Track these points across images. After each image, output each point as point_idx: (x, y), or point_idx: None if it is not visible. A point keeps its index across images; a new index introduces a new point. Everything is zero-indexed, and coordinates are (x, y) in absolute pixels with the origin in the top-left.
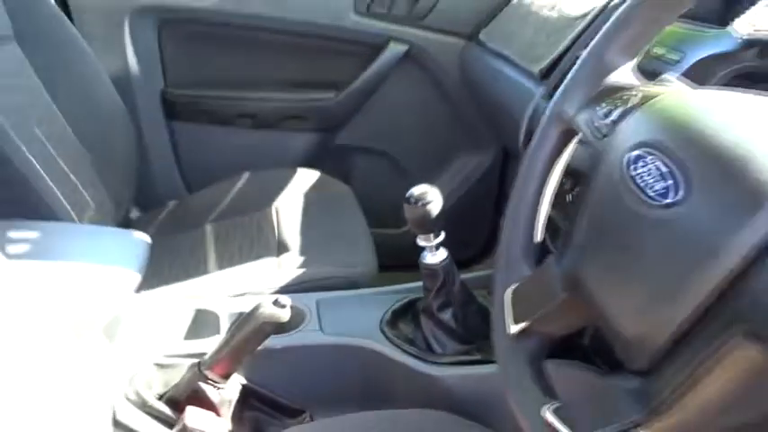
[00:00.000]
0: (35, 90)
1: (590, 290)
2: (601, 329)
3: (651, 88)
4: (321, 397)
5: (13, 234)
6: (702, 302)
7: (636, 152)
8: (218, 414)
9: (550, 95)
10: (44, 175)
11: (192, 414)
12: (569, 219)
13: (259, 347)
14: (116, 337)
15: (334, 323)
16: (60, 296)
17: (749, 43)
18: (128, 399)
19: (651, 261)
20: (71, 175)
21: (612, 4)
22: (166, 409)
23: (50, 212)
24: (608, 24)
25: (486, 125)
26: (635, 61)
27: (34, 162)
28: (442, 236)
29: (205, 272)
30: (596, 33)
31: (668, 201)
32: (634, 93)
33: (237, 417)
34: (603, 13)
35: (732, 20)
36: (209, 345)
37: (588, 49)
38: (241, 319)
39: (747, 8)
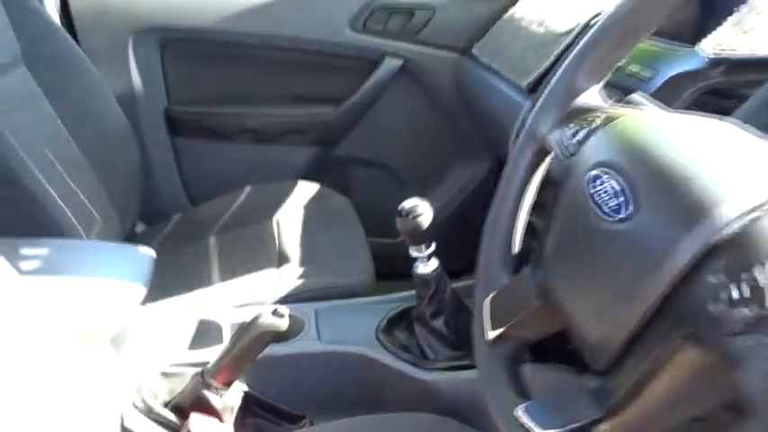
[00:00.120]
0: (43, 110)
1: (558, 297)
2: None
3: (615, 110)
4: (320, 403)
5: (24, 251)
6: (651, 307)
7: (594, 171)
8: (221, 420)
9: None
10: (53, 193)
11: (197, 420)
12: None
13: (260, 356)
14: (124, 347)
15: (331, 331)
16: (70, 310)
17: (715, 62)
18: (135, 406)
19: (608, 270)
20: (78, 192)
21: (595, 20)
22: (172, 416)
23: (59, 229)
24: (576, 50)
25: (480, 137)
26: (601, 84)
27: (43, 181)
28: (433, 247)
29: (209, 283)
30: None
31: (621, 216)
32: (598, 114)
33: (240, 423)
34: (587, 29)
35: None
36: (212, 354)
37: (559, 72)
38: (242, 329)
39: (715, 28)
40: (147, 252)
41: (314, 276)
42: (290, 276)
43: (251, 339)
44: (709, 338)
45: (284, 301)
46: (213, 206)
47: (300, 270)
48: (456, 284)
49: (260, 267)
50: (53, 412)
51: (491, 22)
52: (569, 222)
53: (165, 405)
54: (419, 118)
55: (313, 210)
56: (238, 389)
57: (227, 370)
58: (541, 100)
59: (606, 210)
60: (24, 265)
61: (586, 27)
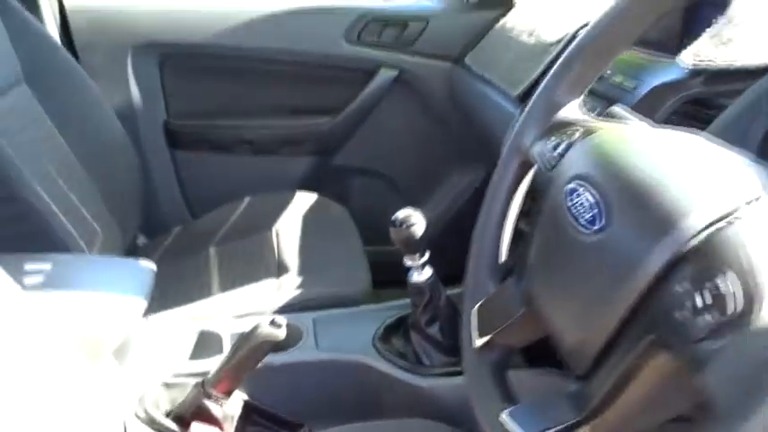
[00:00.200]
0: (45, 128)
1: (540, 305)
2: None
3: (593, 124)
4: (319, 410)
5: (26, 266)
6: (623, 314)
7: (571, 185)
8: (221, 429)
9: None
10: (55, 209)
11: (198, 430)
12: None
13: (259, 365)
14: (126, 359)
15: (329, 340)
16: (72, 324)
17: (695, 72)
18: (137, 417)
19: (585, 279)
20: (81, 208)
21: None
22: (174, 426)
23: (62, 244)
24: (556, 66)
25: (474, 145)
26: (581, 98)
27: (46, 197)
28: (427, 255)
29: (209, 294)
30: None
31: (595, 228)
32: (577, 128)
33: (240, 431)
34: (574, 39)
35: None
36: (213, 364)
37: (540, 87)
38: (241, 340)
39: (696, 39)
40: (148, 265)
41: (312, 286)
42: (288, 286)
43: (250, 349)
44: (677, 344)
45: (283, 310)
46: (213, 218)
47: (299, 280)
48: (451, 291)
49: (259, 278)
50: (56, 424)
51: (483, 32)
52: (550, 233)
53: (167, 415)
54: (415, 127)
55: (311, 219)
56: (238, 398)
57: (226, 380)
58: (524, 113)
59: (582, 222)
60: (27, 281)
61: (574, 38)
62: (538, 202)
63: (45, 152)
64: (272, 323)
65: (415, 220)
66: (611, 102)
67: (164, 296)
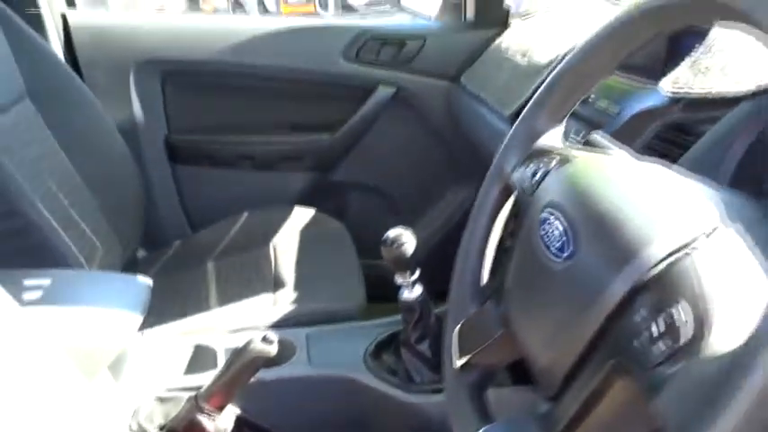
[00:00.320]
0: (47, 143)
1: (516, 327)
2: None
3: (569, 152)
4: (310, 426)
5: (23, 282)
6: (589, 340)
7: (544, 213)
8: None
9: None
10: (55, 224)
11: None
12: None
13: (252, 380)
14: (121, 373)
15: (322, 356)
16: (68, 339)
17: (674, 99)
18: (131, 430)
19: (554, 304)
20: (81, 222)
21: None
22: None
23: (62, 259)
24: (536, 95)
25: (471, 162)
26: (560, 126)
27: (46, 213)
28: (418, 273)
29: (206, 308)
30: None
31: (564, 255)
32: (555, 156)
33: None
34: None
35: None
36: (207, 378)
37: (522, 114)
38: (234, 355)
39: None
40: (144, 281)
41: (307, 301)
42: (284, 301)
43: (242, 365)
44: (636, 370)
45: (278, 325)
46: (212, 232)
47: (294, 295)
48: (442, 308)
49: (256, 292)
50: None
51: (479, 52)
52: (525, 257)
53: (161, 429)
54: (412, 144)
55: (309, 235)
56: (231, 413)
57: (219, 394)
58: (507, 139)
59: (553, 250)
60: (26, 296)
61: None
62: (518, 227)
63: (46, 168)
64: (265, 339)
65: (406, 239)
66: (596, 126)
67: (161, 310)
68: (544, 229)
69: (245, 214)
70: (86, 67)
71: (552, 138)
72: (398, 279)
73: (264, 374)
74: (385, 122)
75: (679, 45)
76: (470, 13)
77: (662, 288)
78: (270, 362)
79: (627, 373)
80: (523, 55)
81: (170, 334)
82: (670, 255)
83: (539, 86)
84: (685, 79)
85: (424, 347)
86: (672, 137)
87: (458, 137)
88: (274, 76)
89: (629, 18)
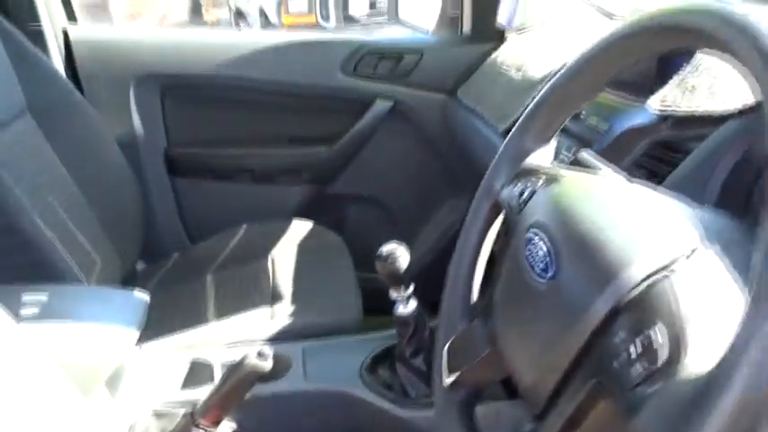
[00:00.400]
0: (47, 158)
1: (502, 345)
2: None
3: (556, 171)
4: None
5: (23, 297)
6: (572, 359)
7: (529, 233)
8: None
9: None
10: (53, 239)
11: None
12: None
13: (248, 395)
14: (118, 388)
15: (317, 370)
16: (64, 356)
17: (662, 117)
18: None
19: (539, 324)
20: (80, 236)
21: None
22: None
23: (60, 274)
24: (524, 115)
25: (468, 175)
26: (548, 145)
27: (45, 228)
28: (412, 288)
29: (204, 321)
30: None
31: (548, 276)
32: (541, 175)
33: None
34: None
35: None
36: (203, 393)
37: (510, 133)
38: (229, 370)
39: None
40: (141, 296)
41: (304, 314)
42: (281, 314)
43: (237, 380)
44: (616, 390)
45: (275, 339)
46: (211, 245)
47: (292, 308)
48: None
49: (254, 305)
50: None
51: (475, 66)
52: (511, 277)
53: None
54: (410, 157)
55: (306, 248)
56: (227, 427)
57: (215, 409)
58: (496, 158)
59: (537, 270)
60: (20, 312)
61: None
62: (506, 245)
63: (46, 182)
64: (260, 355)
65: (400, 254)
66: (587, 143)
67: (160, 323)
68: (529, 250)
69: (244, 227)
70: (87, 81)
71: (540, 157)
72: (393, 294)
73: (260, 389)
74: (383, 135)
75: (670, 63)
76: (467, 27)
77: (640, 310)
78: (265, 377)
79: (608, 393)
80: (518, 70)
81: (168, 348)
82: (649, 276)
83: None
84: (673, 98)
85: (418, 362)
86: (660, 154)
87: (455, 150)
88: (273, 90)
89: (614, 41)
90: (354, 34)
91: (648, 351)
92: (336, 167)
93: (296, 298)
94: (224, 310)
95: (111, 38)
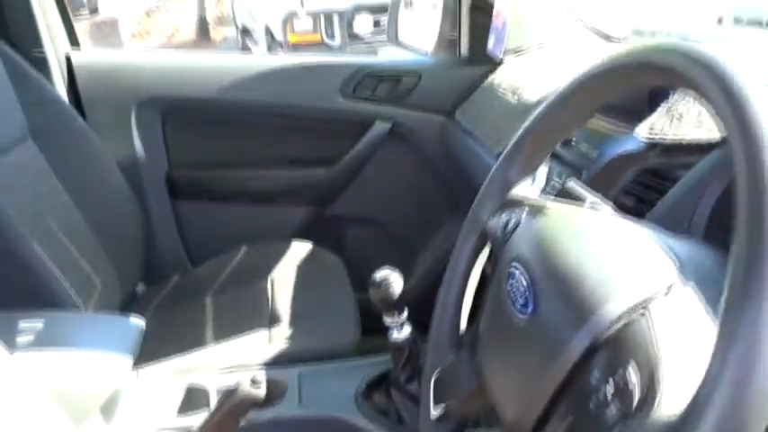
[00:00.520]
0: (49, 182)
1: (486, 377)
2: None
3: (541, 203)
4: None
5: (19, 325)
6: (552, 395)
7: (510, 267)
8: None
9: None
10: (53, 265)
11: None
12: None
13: (243, 421)
14: (114, 415)
15: (313, 396)
16: (58, 383)
17: (650, 145)
18: None
19: (520, 358)
20: (80, 260)
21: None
22: None
23: (58, 299)
24: (509, 146)
25: (466, 197)
26: (532, 177)
27: (43, 254)
28: (406, 313)
29: (202, 345)
30: None
31: (528, 311)
32: (525, 206)
33: None
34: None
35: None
36: (199, 419)
37: (496, 164)
38: (223, 397)
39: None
40: (137, 322)
41: (301, 338)
42: (279, 338)
43: (231, 407)
44: (593, 429)
45: (271, 363)
46: (211, 267)
47: (289, 331)
48: None
49: (251, 328)
50: None
51: (473, 88)
52: (495, 310)
53: None
54: (409, 178)
55: (306, 269)
56: None
57: None
58: (483, 188)
59: (517, 306)
60: (15, 339)
61: None
62: (491, 276)
63: (47, 207)
64: (253, 382)
65: (393, 280)
66: (577, 169)
67: (158, 347)
68: (510, 284)
69: (244, 248)
70: (89, 105)
71: (524, 188)
72: (387, 320)
73: (256, 416)
74: (382, 157)
75: (660, 90)
76: (464, 49)
77: (615, 349)
78: (260, 403)
79: (586, 430)
80: (514, 93)
81: (164, 372)
82: (626, 314)
83: None
84: (660, 125)
85: (413, 387)
86: (648, 181)
87: (453, 172)
88: (273, 113)
89: (593, 77)
90: (353, 57)
91: (622, 392)
92: (336, 189)
93: (294, 321)
94: (222, 334)
95: (113, 62)
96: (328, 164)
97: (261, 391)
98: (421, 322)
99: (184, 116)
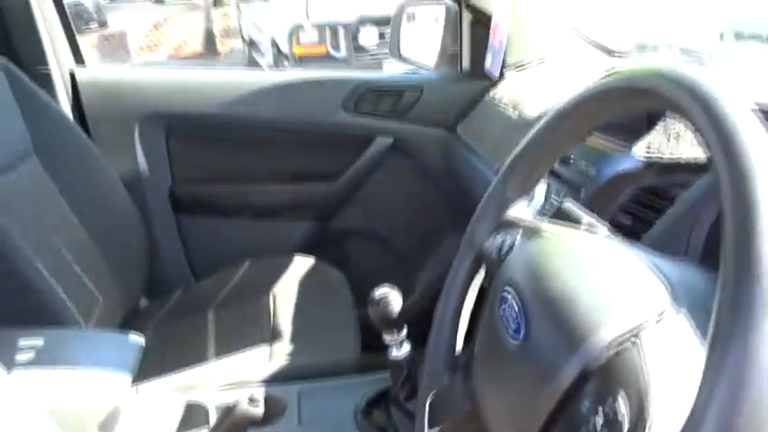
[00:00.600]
0: (52, 198)
1: (480, 401)
2: None
3: (537, 224)
4: None
5: (18, 342)
6: (544, 421)
7: (503, 292)
8: None
9: None
10: (55, 282)
11: None
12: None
13: None
14: None
15: (312, 414)
16: (55, 401)
17: (647, 164)
18: None
19: (513, 383)
20: (83, 276)
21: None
22: None
23: (58, 316)
24: (504, 167)
25: (468, 211)
26: (529, 197)
27: (45, 271)
28: (405, 331)
29: (203, 360)
30: None
31: (520, 337)
32: (521, 228)
33: None
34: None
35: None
36: None
37: (491, 185)
38: (222, 416)
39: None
40: (136, 340)
41: (302, 354)
42: (279, 354)
43: (229, 426)
44: None
45: (271, 380)
46: (213, 281)
47: (290, 348)
48: None
49: (253, 344)
50: None
51: (474, 102)
52: (489, 333)
53: None
54: (411, 192)
55: (308, 284)
56: None
57: None
58: (478, 208)
59: (510, 331)
60: (15, 357)
61: None
62: (486, 298)
63: (50, 222)
64: (251, 400)
65: (392, 298)
66: (575, 187)
67: (159, 362)
68: (503, 309)
69: (247, 263)
70: (93, 121)
71: (519, 209)
72: (386, 337)
73: None
74: (384, 172)
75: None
76: (466, 63)
77: (605, 378)
78: (258, 421)
79: None
80: (514, 108)
81: (164, 389)
82: (617, 341)
83: None
84: (657, 144)
85: (412, 406)
86: (646, 200)
87: (455, 186)
88: (275, 128)
89: (587, 98)
90: (354, 72)
91: (611, 423)
92: (338, 203)
93: (295, 337)
94: (223, 350)
95: (117, 79)
96: (331, 178)
97: (259, 410)
98: (423, 337)
99: (187, 131)
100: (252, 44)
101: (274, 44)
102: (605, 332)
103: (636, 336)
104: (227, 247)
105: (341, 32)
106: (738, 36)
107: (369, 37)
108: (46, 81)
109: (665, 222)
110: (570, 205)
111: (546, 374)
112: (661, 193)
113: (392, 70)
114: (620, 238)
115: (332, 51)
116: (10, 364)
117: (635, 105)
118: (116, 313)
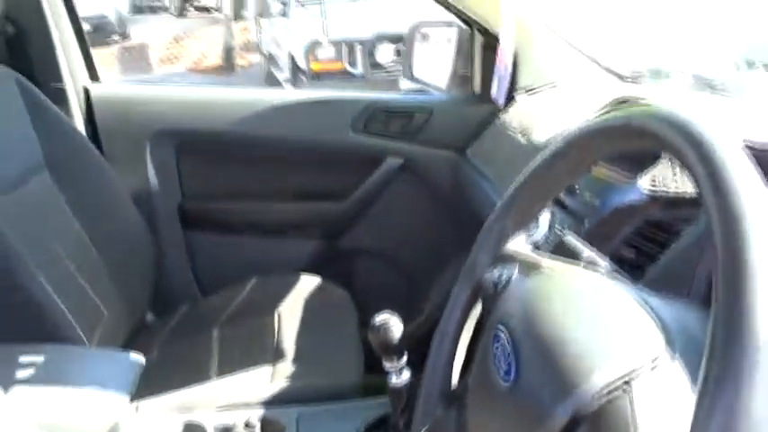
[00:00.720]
0: (62, 213)
1: None
2: None
3: (536, 259)
4: None
5: (19, 359)
6: None
7: (496, 330)
8: None
9: None
10: (59, 298)
11: None
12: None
13: None
14: None
15: None
16: (53, 420)
17: (652, 197)
18: None
19: (504, 422)
20: (89, 291)
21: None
22: None
23: (61, 331)
24: (503, 199)
25: (476, 234)
26: (531, 228)
27: (48, 286)
28: (405, 358)
29: (206, 379)
30: None
31: (511, 378)
32: (518, 263)
33: None
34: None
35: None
36: None
37: (491, 216)
38: None
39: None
40: (135, 359)
41: (304, 376)
42: (281, 375)
43: None
44: None
45: (271, 402)
46: (219, 298)
47: (292, 369)
48: None
49: (255, 364)
50: None
51: (485, 125)
52: (482, 371)
53: None
54: (420, 213)
55: (313, 304)
56: None
57: None
58: (478, 239)
59: (501, 372)
60: (14, 374)
61: None
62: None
63: (58, 237)
64: (246, 425)
65: (393, 324)
66: (579, 218)
67: (161, 379)
68: (495, 347)
69: (253, 280)
70: (106, 137)
71: (518, 243)
72: (386, 364)
73: None
74: (393, 192)
75: None
76: (477, 86)
77: (596, 426)
78: None
79: None
80: (523, 133)
81: (164, 407)
82: (608, 388)
83: None
84: (662, 178)
85: None
86: (650, 233)
87: (464, 208)
88: (285, 147)
89: (585, 135)
90: (364, 93)
91: None
92: (347, 223)
93: (297, 358)
94: (225, 369)
95: (130, 95)
96: (340, 198)
97: None
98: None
99: (198, 148)
100: (271, 59)
101: (292, 59)
102: (597, 378)
103: (627, 383)
104: (234, 264)
105: (358, 49)
106: (750, 64)
107: (385, 54)
108: (60, 96)
109: (670, 257)
110: (571, 239)
111: (535, 419)
112: (666, 227)
113: (408, 86)
114: (621, 274)
115: (349, 68)
116: (9, 381)
117: (631, 145)
118: (121, 328)
